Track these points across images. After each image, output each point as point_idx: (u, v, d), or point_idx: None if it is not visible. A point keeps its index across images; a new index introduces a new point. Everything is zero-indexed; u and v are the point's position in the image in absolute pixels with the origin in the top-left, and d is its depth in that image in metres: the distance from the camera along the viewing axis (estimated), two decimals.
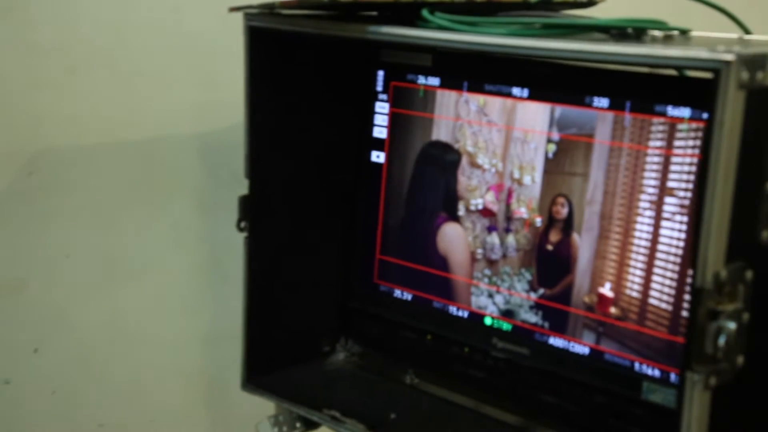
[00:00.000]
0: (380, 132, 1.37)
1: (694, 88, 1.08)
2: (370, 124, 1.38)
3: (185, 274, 1.61)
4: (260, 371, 1.35)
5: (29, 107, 1.47)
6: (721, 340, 0.93)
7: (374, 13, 1.27)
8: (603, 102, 1.16)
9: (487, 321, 1.29)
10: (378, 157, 1.38)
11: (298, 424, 1.33)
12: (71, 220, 1.52)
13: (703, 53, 0.89)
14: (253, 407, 1.46)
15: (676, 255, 1.10)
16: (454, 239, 1.32)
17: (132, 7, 1.52)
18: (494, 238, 1.27)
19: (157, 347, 1.61)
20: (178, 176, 1.59)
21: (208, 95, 1.57)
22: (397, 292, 1.38)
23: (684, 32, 1.14)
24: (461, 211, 1.30)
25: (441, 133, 1.31)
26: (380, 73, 1.36)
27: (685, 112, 1.09)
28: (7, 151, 1.47)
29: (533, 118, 1.22)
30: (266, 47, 1.28)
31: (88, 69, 1.50)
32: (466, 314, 1.31)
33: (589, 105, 1.17)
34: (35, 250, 1.50)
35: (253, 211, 1.31)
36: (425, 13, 1.15)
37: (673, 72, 1.12)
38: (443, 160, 1.32)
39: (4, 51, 1.44)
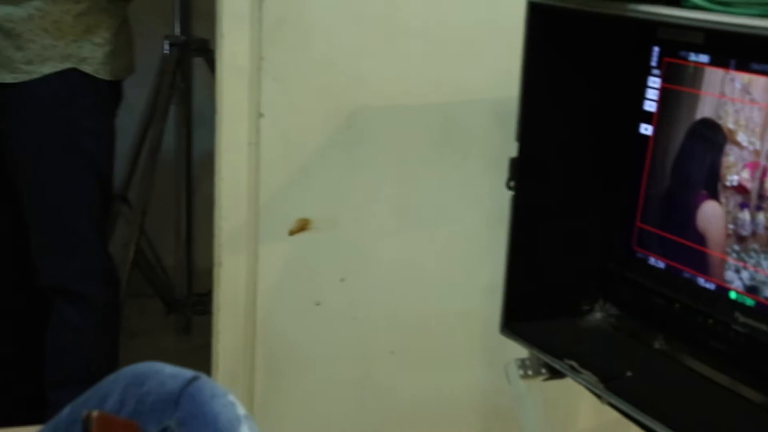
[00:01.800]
0: (650, 105, 1.43)
1: None
2: (641, 98, 1.44)
3: (474, 226, 1.77)
4: (518, 319, 1.48)
5: (353, 70, 1.71)
6: None
7: None
8: None
9: (732, 295, 1.31)
10: (646, 129, 1.44)
11: (543, 370, 1.45)
12: (379, 169, 1.75)
13: None
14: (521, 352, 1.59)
15: None
16: (713, 217, 1.35)
17: None
18: (745, 215, 1.29)
19: (444, 289, 1.80)
20: (475, 137, 1.75)
21: (508, 64, 1.70)
22: (652, 260, 1.43)
23: None
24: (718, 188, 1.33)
25: (705, 109, 1.34)
26: (655, 49, 1.42)
27: None
28: (332, 106, 1.72)
29: None
30: (545, 21, 1.39)
31: (405, 37, 1.71)
32: (712, 287, 1.34)
33: None
34: (347, 194, 1.75)
35: (521, 172, 1.44)
36: None
37: None
38: (712, 140, 1.35)
39: (335, 21, 1.68)
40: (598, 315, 1.53)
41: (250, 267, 1.76)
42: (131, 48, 2.03)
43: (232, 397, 1.11)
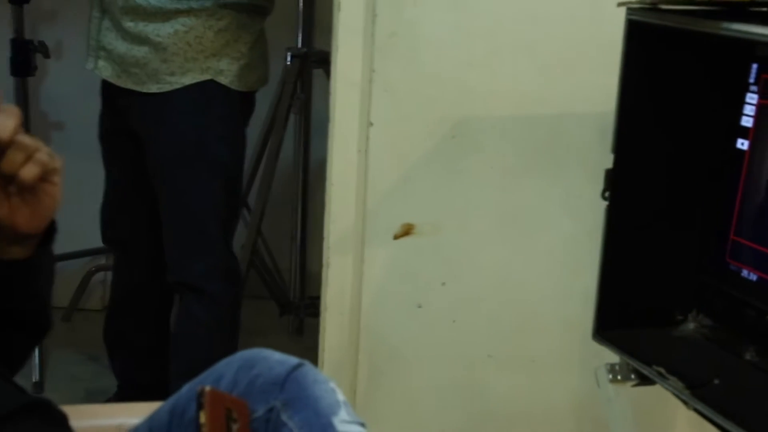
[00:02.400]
0: (747, 121, 1.45)
1: None
2: (739, 113, 1.46)
3: (573, 235, 1.82)
4: (611, 326, 1.53)
5: (459, 82, 1.79)
6: None
7: (764, 8, 1.36)
8: None
9: None
10: (742, 144, 1.46)
11: (632, 376, 1.49)
12: (482, 178, 1.82)
13: None
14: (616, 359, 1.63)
15: None
16: None
17: (553, 1, 1.76)
18: None
19: (542, 296, 1.85)
20: (576, 149, 1.80)
21: (609, 79, 1.75)
22: (744, 272, 1.46)
23: None
24: None
25: None
26: (754, 66, 1.44)
27: None
28: (439, 117, 1.80)
29: None
30: (643, 38, 1.44)
31: (510, 52, 1.78)
32: None
33: None
34: (450, 201, 1.83)
35: (616, 184, 1.49)
36: None
37: None
38: None
39: (443, 36, 1.77)
40: (691, 325, 1.56)
41: (356, 269, 1.85)
42: (265, 61, 2.16)
43: (332, 384, 1.20)
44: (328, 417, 1.13)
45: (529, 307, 1.87)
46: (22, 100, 2.68)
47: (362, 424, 1.16)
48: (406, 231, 1.83)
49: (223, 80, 2.02)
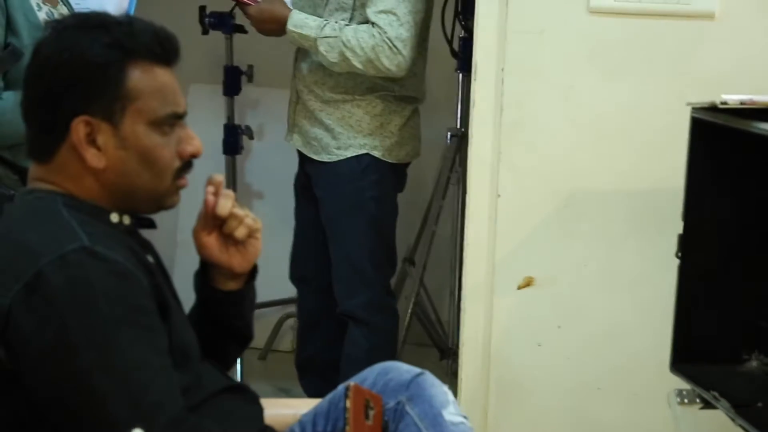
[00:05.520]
0: None
1: None
2: None
3: (667, 289, 2.16)
4: (685, 360, 1.88)
5: (569, 161, 2.21)
6: None
7: None
8: None
9: None
10: None
11: (697, 400, 1.83)
12: (591, 240, 2.21)
13: None
14: None
15: None
16: None
17: (646, 95, 2.15)
18: None
19: (643, 339, 2.21)
20: (669, 217, 2.14)
21: None
22: None
23: None
24: None
25: None
26: None
27: None
28: (553, 190, 2.21)
29: None
30: (706, 130, 1.80)
31: (611, 137, 2.19)
32: None
33: None
34: (565, 258, 2.23)
35: (686, 245, 1.85)
36: None
37: None
38: None
39: (557, 125, 2.19)
40: (754, 363, 1.88)
41: (486, 313, 2.27)
42: (416, 137, 2.66)
43: (445, 388, 1.63)
44: (439, 409, 1.56)
45: (632, 348, 2.22)
46: (231, 174, 3.28)
47: (465, 417, 1.58)
48: (528, 283, 2.25)
49: (376, 154, 2.54)
